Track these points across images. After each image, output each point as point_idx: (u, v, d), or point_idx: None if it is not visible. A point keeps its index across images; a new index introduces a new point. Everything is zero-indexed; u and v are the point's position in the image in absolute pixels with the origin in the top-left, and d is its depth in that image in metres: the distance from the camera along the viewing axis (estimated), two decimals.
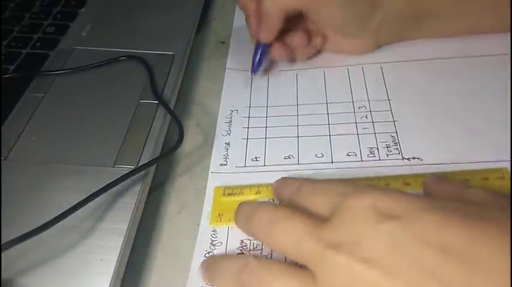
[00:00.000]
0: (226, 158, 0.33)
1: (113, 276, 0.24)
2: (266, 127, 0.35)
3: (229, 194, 0.30)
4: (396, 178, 0.29)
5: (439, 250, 0.18)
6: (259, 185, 0.30)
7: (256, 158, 0.32)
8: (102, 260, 0.25)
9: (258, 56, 0.37)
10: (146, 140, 0.31)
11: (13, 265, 0.24)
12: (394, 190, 0.22)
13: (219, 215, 0.29)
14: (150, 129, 0.32)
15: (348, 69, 0.38)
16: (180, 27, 0.42)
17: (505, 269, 0.17)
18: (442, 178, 0.26)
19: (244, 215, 0.25)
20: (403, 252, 0.19)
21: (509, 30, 0.36)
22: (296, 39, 0.37)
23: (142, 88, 0.35)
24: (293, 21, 0.35)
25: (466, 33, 0.38)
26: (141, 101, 0.34)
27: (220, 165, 0.32)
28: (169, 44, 0.39)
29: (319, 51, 0.39)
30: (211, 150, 0.33)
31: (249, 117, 0.35)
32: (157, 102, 0.34)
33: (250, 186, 0.30)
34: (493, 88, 0.34)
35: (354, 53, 0.39)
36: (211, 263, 0.26)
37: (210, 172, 0.32)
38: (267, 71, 0.39)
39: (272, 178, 0.28)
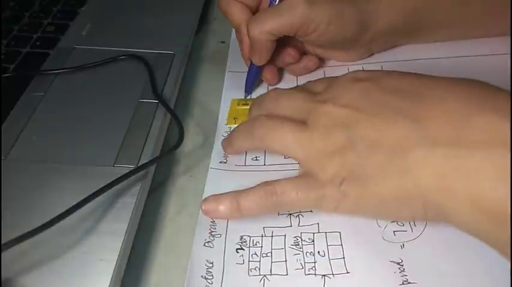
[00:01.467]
0: (226, 156, 0.33)
1: (112, 276, 0.24)
2: None
3: (243, 104, 0.36)
4: None
5: (394, 92, 0.25)
6: None
7: (256, 157, 0.32)
8: (102, 260, 0.25)
9: (252, 77, 0.36)
10: (146, 140, 0.31)
11: (13, 265, 0.24)
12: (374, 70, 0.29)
13: (234, 118, 0.35)
14: (150, 128, 0.32)
15: (348, 68, 0.38)
16: (180, 27, 0.42)
17: (437, 96, 0.24)
18: None
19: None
20: (369, 97, 0.26)
21: (507, 34, 0.36)
22: (288, 57, 0.37)
23: (142, 87, 0.35)
24: (285, 39, 0.35)
25: (461, 39, 0.38)
26: (141, 100, 0.34)
27: (220, 163, 0.32)
28: (169, 44, 0.39)
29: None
30: (212, 150, 0.33)
31: None
32: (157, 101, 0.34)
33: None
34: None
35: (345, 62, 0.39)
36: (229, 134, 0.32)
37: (209, 167, 0.32)
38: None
39: (272, 177, 0.28)
